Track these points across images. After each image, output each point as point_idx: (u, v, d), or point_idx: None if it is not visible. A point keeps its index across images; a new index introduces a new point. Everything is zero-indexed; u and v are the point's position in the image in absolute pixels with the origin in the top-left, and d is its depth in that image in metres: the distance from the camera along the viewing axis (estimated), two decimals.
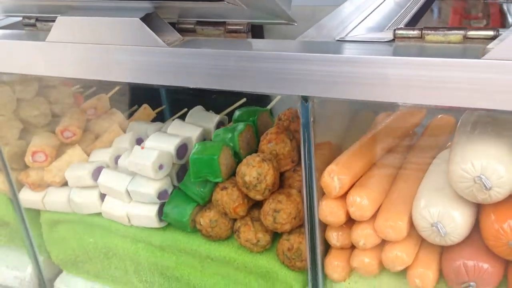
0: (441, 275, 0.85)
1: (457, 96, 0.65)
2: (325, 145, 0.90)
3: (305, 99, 0.77)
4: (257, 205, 0.96)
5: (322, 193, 0.86)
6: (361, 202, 0.83)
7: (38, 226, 1.18)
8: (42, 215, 1.15)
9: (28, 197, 1.12)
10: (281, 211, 0.90)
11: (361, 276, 0.89)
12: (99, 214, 1.08)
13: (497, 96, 0.63)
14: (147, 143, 1.03)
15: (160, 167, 0.98)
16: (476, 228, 0.80)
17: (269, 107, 1.14)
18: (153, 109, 1.32)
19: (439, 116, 1.04)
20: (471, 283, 0.79)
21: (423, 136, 1.03)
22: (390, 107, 1.01)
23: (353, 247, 0.89)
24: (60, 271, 1.23)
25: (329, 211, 0.85)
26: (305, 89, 0.74)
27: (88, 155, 1.13)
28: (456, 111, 0.94)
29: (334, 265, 0.89)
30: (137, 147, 1.02)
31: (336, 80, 0.71)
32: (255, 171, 0.89)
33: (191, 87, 0.81)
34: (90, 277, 1.19)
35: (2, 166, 1.11)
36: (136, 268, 1.10)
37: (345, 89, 0.71)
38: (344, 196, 0.85)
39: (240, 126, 1.01)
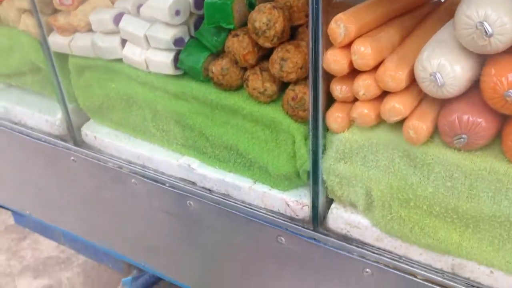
0: (435, 132, 0.87)
1: None
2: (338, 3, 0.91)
3: None
4: (267, 57, 0.99)
5: (329, 45, 0.88)
6: (365, 51, 0.84)
7: (67, 73, 1.25)
8: (70, 60, 1.22)
9: (56, 41, 1.18)
10: (288, 60, 0.93)
11: (359, 128, 0.93)
12: (121, 60, 1.14)
13: None
14: None
15: (177, 12, 1.01)
16: (475, 87, 0.81)
17: None
18: None
19: None
20: (463, 136, 0.81)
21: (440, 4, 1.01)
22: None
23: (354, 101, 0.92)
24: (87, 119, 1.32)
25: (333, 59, 0.86)
26: None
27: (113, 3, 1.16)
28: None
29: (335, 116, 0.93)
30: None
31: None
32: (265, 17, 0.91)
33: None
34: (113, 125, 1.27)
35: (33, 9, 1.16)
36: (153, 117, 1.17)
37: None
38: (349, 46, 0.87)
39: None
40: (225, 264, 1.23)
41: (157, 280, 2.09)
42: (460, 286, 0.92)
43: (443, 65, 0.78)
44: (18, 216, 2.77)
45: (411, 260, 0.97)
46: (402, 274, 0.97)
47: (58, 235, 2.67)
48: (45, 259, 3.25)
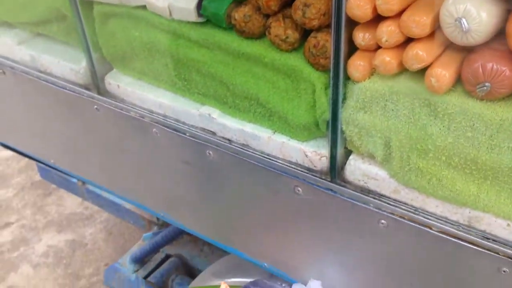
0: (457, 82, 0.86)
1: None
2: None
3: None
4: (290, 3, 0.98)
5: None
6: None
7: (92, 21, 1.26)
8: (95, 8, 1.23)
9: None
10: (311, 5, 0.92)
11: (380, 77, 0.92)
12: (144, 7, 1.14)
13: None
14: None
15: None
16: (500, 35, 0.80)
17: None
18: None
19: None
20: (486, 84, 0.80)
21: None
22: None
23: (376, 49, 0.91)
24: (111, 68, 1.34)
25: (356, 4, 0.85)
26: None
27: None
28: None
29: (357, 64, 0.92)
30: None
31: None
32: None
33: None
34: (136, 74, 1.29)
35: None
36: (175, 65, 1.17)
37: None
38: None
39: None
40: (242, 215, 1.25)
41: (177, 235, 2.14)
42: (475, 238, 0.92)
43: (469, 10, 0.77)
44: (44, 171, 2.85)
45: (427, 212, 0.97)
46: (418, 225, 0.97)
47: (81, 191, 2.75)
48: (69, 215, 3.35)
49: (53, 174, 2.76)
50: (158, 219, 2.47)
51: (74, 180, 2.66)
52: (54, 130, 1.53)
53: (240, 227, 1.29)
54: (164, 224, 2.42)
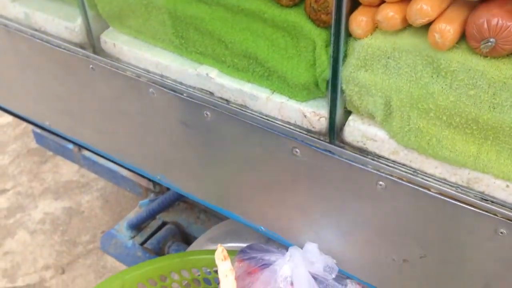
0: (461, 40, 0.84)
1: None
2: None
3: None
4: None
5: None
6: None
7: None
8: None
9: None
10: None
11: (382, 33, 0.90)
12: None
13: None
14: None
15: None
16: None
17: None
18: None
19: None
20: (491, 40, 0.78)
21: None
22: None
23: (379, 4, 0.89)
24: (107, 26, 1.31)
25: None
26: None
27: None
28: None
29: (359, 20, 0.90)
30: None
31: None
32: None
33: None
34: (132, 33, 1.26)
35: None
36: (173, 23, 1.15)
37: None
38: None
39: None
40: (239, 177, 1.24)
41: (173, 202, 2.14)
42: (474, 199, 0.91)
43: None
44: (40, 137, 2.83)
45: (425, 173, 0.96)
46: (416, 187, 0.96)
47: (77, 157, 2.73)
48: (65, 182, 3.35)
49: (49, 141, 2.75)
50: (154, 186, 2.47)
51: (70, 146, 2.65)
52: (49, 90, 1.51)
53: (236, 190, 1.28)
54: (161, 191, 2.41)
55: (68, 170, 3.38)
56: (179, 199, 2.18)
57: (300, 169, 1.11)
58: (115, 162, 1.85)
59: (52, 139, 2.70)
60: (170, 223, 2.33)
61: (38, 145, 3.31)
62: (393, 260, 1.08)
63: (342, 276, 1.23)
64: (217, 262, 1.28)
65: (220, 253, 1.28)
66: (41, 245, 2.89)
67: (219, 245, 1.29)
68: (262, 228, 1.28)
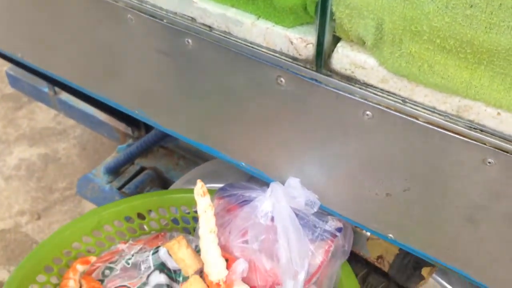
0: None
1: None
2: None
3: None
4: None
5: None
6: None
7: None
8: None
9: None
10: None
11: None
12: None
13: None
14: None
15: None
16: None
17: None
18: None
19: None
20: None
21: None
22: None
23: None
24: None
25: None
26: None
27: None
28: None
29: None
30: None
31: None
32: None
33: None
34: None
35: None
36: None
37: None
38: None
39: None
40: (220, 109, 1.20)
41: (152, 145, 2.09)
42: (463, 128, 0.89)
43: None
44: (14, 80, 2.72)
45: (415, 102, 0.93)
46: (404, 116, 0.93)
47: (53, 101, 2.65)
48: (41, 129, 3.27)
49: (24, 83, 2.65)
50: (133, 131, 2.41)
51: (45, 89, 2.56)
52: (20, 18, 1.42)
53: (217, 124, 1.24)
54: (139, 137, 2.36)
55: (44, 117, 3.29)
56: (158, 143, 2.14)
57: (284, 99, 1.07)
58: (91, 99, 1.79)
59: (26, 82, 2.61)
60: (148, 168, 2.29)
61: (12, 91, 3.20)
62: (375, 194, 1.07)
63: (323, 212, 1.21)
64: (196, 198, 1.25)
65: (200, 188, 1.24)
66: (16, 190, 2.83)
67: (198, 180, 1.26)
68: (243, 163, 1.25)
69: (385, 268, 1.32)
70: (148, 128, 2.33)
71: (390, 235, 1.11)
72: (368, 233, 1.35)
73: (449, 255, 1.04)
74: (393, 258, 1.31)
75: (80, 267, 1.30)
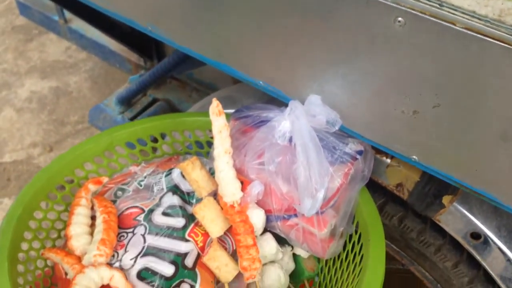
0: None
1: None
2: None
3: None
4: None
5: None
6: None
7: None
8: None
9: None
10: None
11: None
12: None
13: None
14: None
15: None
16: None
17: None
18: None
19: None
20: None
21: None
22: None
23: None
24: None
25: None
26: None
27: None
28: None
29: None
30: None
31: None
32: None
33: None
34: None
35: None
36: None
37: None
38: None
39: None
40: (238, 24, 1.12)
41: (165, 73, 2.03)
42: (504, 34, 0.81)
43: None
44: (24, 8, 2.64)
45: (452, 5, 0.85)
46: (440, 21, 0.85)
47: (63, 30, 2.57)
48: (52, 62, 3.22)
49: (34, 11, 2.57)
50: (145, 62, 2.35)
51: (55, 17, 2.48)
52: None
53: (234, 40, 1.17)
54: (152, 67, 2.30)
55: (55, 50, 3.22)
56: (171, 71, 2.07)
57: (307, 8, 0.99)
58: (102, 25, 1.73)
59: (36, 9, 2.53)
60: (161, 100, 2.24)
61: (23, 22, 3.13)
62: (402, 112, 1.00)
63: (343, 134, 1.15)
64: (211, 117, 1.20)
65: (215, 107, 1.19)
66: (28, 123, 2.81)
67: (214, 99, 1.20)
68: (261, 82, 1.19)
69: (404, 196, 1.28)
70: (160, 58, 2.26)
71: (414, 156, 1.05)
72: (388, 160, 1.30)
73: (477, 177, 0.99)
74: (413, 186, 1.26)
75: (92, 187, 1.28)
